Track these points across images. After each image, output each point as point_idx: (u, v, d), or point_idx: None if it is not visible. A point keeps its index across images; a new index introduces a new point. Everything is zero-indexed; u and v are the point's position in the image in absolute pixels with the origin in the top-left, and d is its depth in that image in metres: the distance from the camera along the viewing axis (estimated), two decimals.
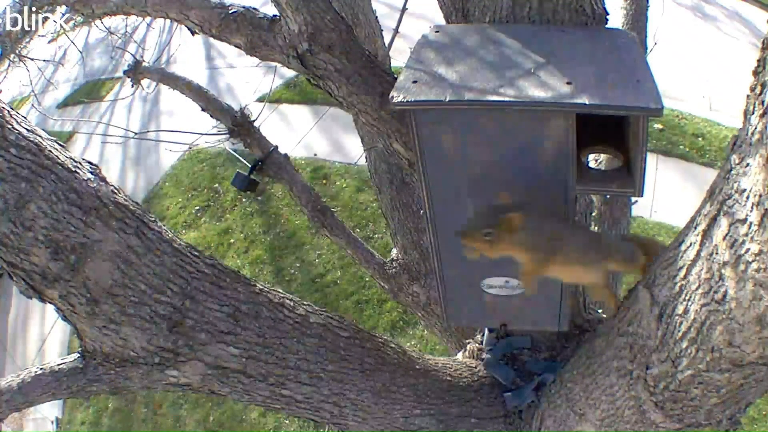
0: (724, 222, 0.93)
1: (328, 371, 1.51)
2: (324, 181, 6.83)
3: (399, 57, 3.29)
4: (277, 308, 1.48)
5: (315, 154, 7.18)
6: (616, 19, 2.74)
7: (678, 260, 1.09)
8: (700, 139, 6.08)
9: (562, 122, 1.20)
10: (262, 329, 1.44)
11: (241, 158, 4.33)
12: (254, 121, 3.02)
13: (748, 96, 0.89)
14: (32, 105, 6.86)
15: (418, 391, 1.63)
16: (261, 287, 1.50)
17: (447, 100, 1.18)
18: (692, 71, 6.49)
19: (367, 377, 1.56)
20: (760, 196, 0.84)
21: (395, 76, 1.55)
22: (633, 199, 2.68)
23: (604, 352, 1.35)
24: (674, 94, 6.11)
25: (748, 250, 0.88)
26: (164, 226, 1.41)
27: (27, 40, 3.90)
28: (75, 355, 1.44)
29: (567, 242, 1.27)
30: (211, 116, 3.07)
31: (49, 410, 6.29)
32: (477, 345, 1.87)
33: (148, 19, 3.76)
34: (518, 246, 1.23)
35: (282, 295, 1.53)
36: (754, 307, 0.91)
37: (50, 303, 1.30)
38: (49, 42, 5.84)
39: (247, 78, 7.72)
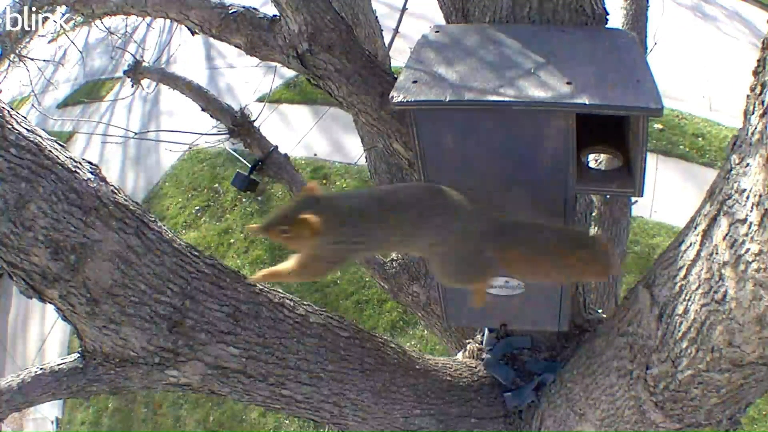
0: (724, 222, 0.93)
1: (328, 371, 1.51)
2: (324, 181, 6.83)
3: (399, 57, 3.29)
4: (277, 308, 1.48)
5: (315, 154, 7.18)
6: (616, 19, 2.74)
7: (678, 260, 1.09)
8: (700, 139, 6.08)
9: (562, 122, 1.19)
10: (262, 329, 1.44)
11: (241, 158, 4.33)
12: (254, 121, 3.02)
13: (748, 96, 0.89)
14: (32, 105, 6.87)
15: (418, 391, 1.63)
16: (261, 287, 1.50)
17: (447, 100, 1.18)
18: (692, 71, 6.49)
19: (367, 377, 1.56)
20: (760, 196, 0.84)
21: (395, 76, 1.55)
22: (633, 199, 2.68)
23: (604, 352, 1.35)
24: (674, 94, 6.11)
25: (748, 250, 0.88)
26: (164, 226, 1.41)
27: (27, 40, 3.90)
28: (75, 355, 1.44)
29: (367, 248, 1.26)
30: (211, 116, 3.07)
31: (49, 410, 6.29)
32: (477, 345, 1.87)
33: (148, 19, 3.76)
34: (307, 247, 1.23)
35: (282, 295, 1.53)
36: (754, 307, 0.91)
37: (50, 303, 1.30)
38: (49, 42, 5.84)
39: (247, 78, 7.72)
